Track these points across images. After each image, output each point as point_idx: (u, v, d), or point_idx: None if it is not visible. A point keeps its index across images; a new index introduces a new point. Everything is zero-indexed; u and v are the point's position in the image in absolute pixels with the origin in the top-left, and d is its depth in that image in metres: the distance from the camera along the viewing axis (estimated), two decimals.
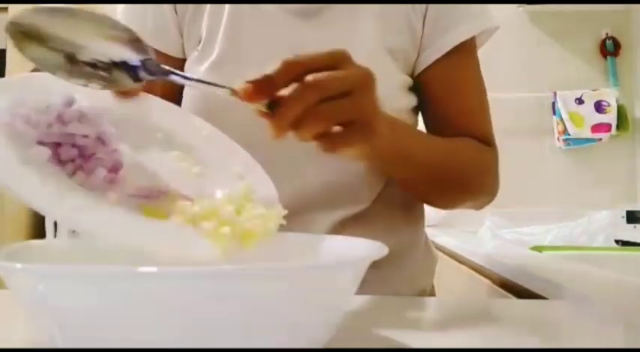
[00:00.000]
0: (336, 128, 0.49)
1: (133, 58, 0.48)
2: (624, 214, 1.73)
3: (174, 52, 0.80)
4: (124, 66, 0.48)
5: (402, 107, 0.77)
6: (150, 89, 0.57)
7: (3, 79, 0.54)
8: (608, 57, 2.13)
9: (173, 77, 0.49)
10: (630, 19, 2.16)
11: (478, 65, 0.81)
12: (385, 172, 0.75)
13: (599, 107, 2.07)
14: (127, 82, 0.48)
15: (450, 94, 0.79)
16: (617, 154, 2.11)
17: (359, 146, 0.50)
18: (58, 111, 0.46)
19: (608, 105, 2.07)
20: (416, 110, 0.81)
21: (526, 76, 2.14)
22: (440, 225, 1.89)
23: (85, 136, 0.46)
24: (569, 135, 2.08)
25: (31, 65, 0.53)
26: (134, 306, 0.34)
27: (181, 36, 0.80)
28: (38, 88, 0.49)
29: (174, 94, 0.76)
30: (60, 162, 0.44)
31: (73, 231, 0.42)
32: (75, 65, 0.47)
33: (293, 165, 0.73)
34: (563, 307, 0.67)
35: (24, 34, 0.46)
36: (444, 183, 0.75)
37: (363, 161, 0.71)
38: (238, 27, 0.75)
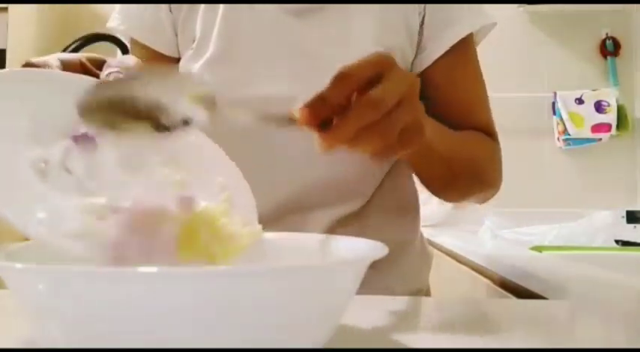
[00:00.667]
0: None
1: (200, 114, 0.46)
2: (624, 214, 1.73)
3: (169, 51, 0.80)
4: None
5: None
6: None
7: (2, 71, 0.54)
8: (608, 57, 2.13)
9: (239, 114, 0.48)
10: (630, 19, 2.16)
11: (477, 61, 0.82)
12: (411, 166, 0.77)
13: (599, 107, 2.07)
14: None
15: (451, 91, 0.79)
16: (617, 154, 2.11)
17: (410, 150, 0.50)
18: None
19: (608, 105, 2.07)
20: None
21: (526, 76, 2.14)
22: (440, 224, 1.89)
23: None
24: (569, 135, 2.08)
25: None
26: (134, 306, 0.34)
27: (176, 35, 0.80)
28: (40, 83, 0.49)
29: None
30: None
31: None
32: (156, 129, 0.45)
33: (290, 165, 0.73)
34: (563, 307, 0.67)
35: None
36: (460, 176, 0.76)
37: (410, 160, 0.73)
38: (233, 26, 0.76)
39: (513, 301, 0.89)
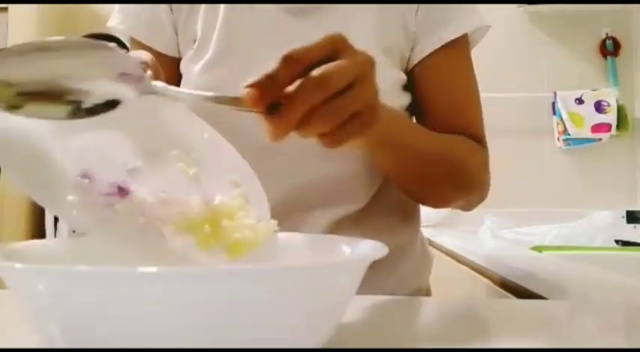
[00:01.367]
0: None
1: (129, 92, 0.45)
2: (624, 214, 1.73)
3: (169, 51, 0.80)
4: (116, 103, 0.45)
5: (397, 106, 0.77)
6: None
7: None
8: (608, 57, 2.13)
9: (174, 94, 0.47)
10: (630, 19, 2.16)
11: (470, 63, 0.81)
12: (378, 162, 0.74)
13: (599, 107, 2.07)
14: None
15: (440, 91, 0.79)
16: (617, 154, 2.11)
17: (362, 136, 0.48)
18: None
19: (608, 105, 2.07)
20: (409, 109, 0.81)
21: (526, 76, 2.14)
22: (440, 225, 1.89)
23: None
24: (569, 135, 2.08)
25: None
26: (134, 306, 0.34)
27: (176, 35, 0.80)
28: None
29: None
30: None
31: (73, 231, 0.42)
32: (78, 112, 0.44)
33: (289, 165, 0.73)
34: (563, 307, 0.67)
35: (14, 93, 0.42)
36: (437, 178, 0.74)
37: (361, 150, 0.69)
38: (233, 26, 0.76)
39: (513, 301, 0.89)
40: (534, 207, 2.03)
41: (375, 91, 0.48)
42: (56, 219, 1.62)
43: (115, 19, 0.81)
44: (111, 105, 0.45)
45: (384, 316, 0.54)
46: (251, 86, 0.43)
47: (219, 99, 0.46)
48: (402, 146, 0.68)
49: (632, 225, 1.72)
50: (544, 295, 0.81)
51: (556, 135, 2.12)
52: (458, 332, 0.50)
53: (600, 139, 2.08)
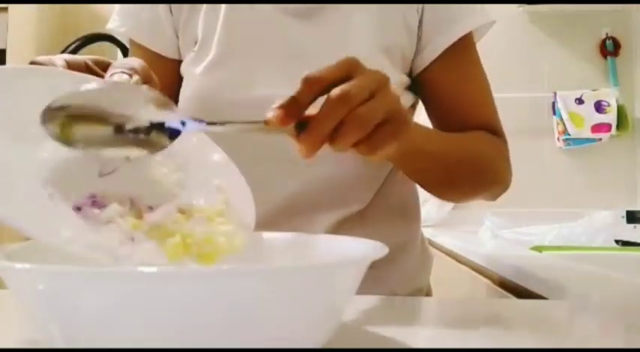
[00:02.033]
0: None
1: (172, 117, 0.47)
2: (624, 214, 1.73)
3: (169, 53, 0.79)
4: (160, 127, 0.47)
5: None
6: None
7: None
8: (608, 57, 2.13)
9: (210, 127, 0.48)
10: (630, 19, 2.16)
11: (479, 59, 0.81)
12: (408, 172, 0.75)
13: (599, 107, 2.07)
14: (165, 141, 0.47)
15: (454, 90, 0.79)
16: (617, 154, 2.11)
17: (396, 141, 0.49)
18: None
19: (608, 105, 2.07)
20: (412, 109, 0.81)
21: (526, 76, 2.14)
22: (440, 225, 1.89)
23: None
24: (569, 135, 2.08)
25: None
26: (134, 306, 0.34)
27: (177, 36, 0.79)
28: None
29: (170, 96, 0.76)
30: None
31: None
32: (120, 135, 0.46)
33: (291, 168, 0.73)
34: (563, 307, 0.67)
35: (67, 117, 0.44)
36: (462, 178, 0.75)
37: (394, 161, 0.71)
38: (234, 28, 0.75)
39: (513, 301, 0.89)
40: (534, 207, 2.03)
41: (397, 99, 0.50)
42: None
43: (114, 21, 0.81)
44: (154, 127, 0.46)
45: (384, 316, 0.54)
46: (278, 108, 0.46)
47: (248, 127, 0.48)
48: (427, 153, 0.69)
49: (632, 225, 1.72)
50: (544, 295, 0.81)
51: (556, 135, 2.12)
52: (458, 332, 0.50)
53: (600, 139, 2.08)
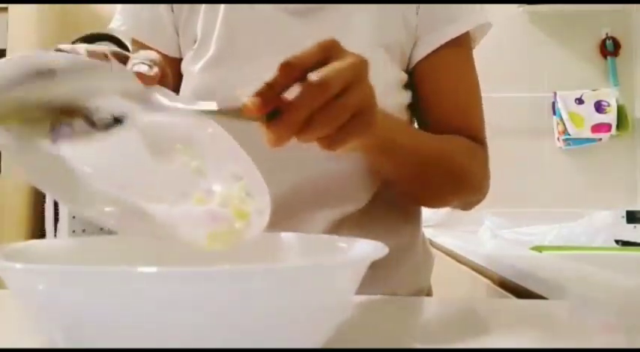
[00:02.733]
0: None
1: (134, 108, 0.46)
2: (624, 214, 1.73)
3: (170, 51, 0.80)
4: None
5: (397, 104, 0.77)
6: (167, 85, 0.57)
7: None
8: (608, 57, 2.13)
9: (177, 106, 0.47)
10: (630, 19, 2.15)
11: (472, 62, 0.81)
12: (375, 164, 0.73)
13: (599, 107, 2.07)
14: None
15: (442, 90, 0.79)
16: (617, 154, 2.11)
17: (361, 137, 0.48)
18: None
19: (608, 105, 2.07)
20: (410, 108, 0.81)
21: (526, 76, 2.14)
22: (440, 225, 1.89)
23: None
24: (569, 135, 2.07)
25: None
26: (134, 306, 0.34)
27: (177, 35, 0.80)
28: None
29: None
30: None
31: (73, 231, 0.42)
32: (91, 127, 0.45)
33: (289, 165, 0.73)
34: (563, 307, 0.67)
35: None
36: (435, 179, 0.74)
37: (358, 152, 0.68)
38: (234, 26, 0.76)
39: (513, 301, 0.89)
40: (534, 207, 2.03)
41: (371, 91, 0.49)
42: (56, 219, 1.62)
43: (116, 20, 0.82)
44: (118, 120, 0.46)
45: (384, 316, 0.54)
46: (253, 95, 0.44)
47: (220, 112, 0.47)
48: (398, 147, 0.67)
49: (632, 225, 1.72)
50: (544, 295, 0.81)
51: (556, 135, 2.12)
52: (458, 332, 0.50)
53: (600, 139, 2.08)
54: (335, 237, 0.53)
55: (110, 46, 1.64)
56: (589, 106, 2.07)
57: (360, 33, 0.75)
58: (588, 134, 2.07)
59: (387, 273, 0.75)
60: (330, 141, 0.47)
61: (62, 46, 0.56)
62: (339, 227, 0.75)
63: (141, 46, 0.80)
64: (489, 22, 0.79)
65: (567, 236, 1.60)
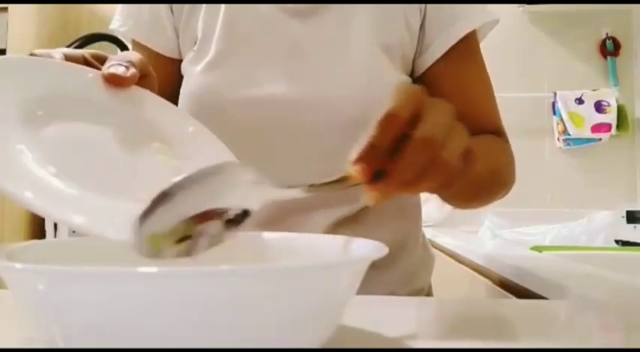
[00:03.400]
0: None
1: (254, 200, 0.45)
2: (624, 214, 1.73)
3: (170, 52, 0.80)
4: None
5: None
6: (150, 86, 0.57)
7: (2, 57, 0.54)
8: (608, 57, 2.13)
9: (291, 193, 0.46)
10: (630, 19, 2.16)
11: (482, 59, 0.81)
12: (445, 198, 0.70)
13: (599, 107, 2.07)
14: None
15: (457, 90, 0.79)
16: (617, 154, 2.12)
17: (465, 178, 0.47)
18: None
19: (608, 105, 2.07)
20: None
21: (526, 76, 2.14)
22: (440, 225, 1.89)
23: None
24: (569, 135, 2.08)
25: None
26: (134, 306, 0.34)
27: (177, 36, 0.80)
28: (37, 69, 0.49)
29: (171, 94, 0.76)
30: None
31: (73, 231, 0.42)
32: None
33: (289, 165, 0.73)
34: (563, 307, 0.67)
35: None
36: (487, 191, 0.75)
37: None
38: (234, 27, 0.76)
39: (513, 301, 0.89)
40: (534, 207, 2.03)
41: (467, 133, 0.47)
42: None
43: (116, 21, 0.82)
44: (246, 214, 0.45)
45: (384, 316, 0.54)
46: (359, 161, 0.43)
47: (329, 188, 0.47)
48: (476, 176, 0.67)
49: (632, 225, 1.72)
50: (544, 295, 0.81)
51: (556, 135, 2.12)
52: (458, 332, 0.50)
53: (600, 139, 2.08)
54: (335, 237, 0.53)
55: (110, 46, 1.64)
56: (589, 106, 2.08)
57: (360, 34, 0.75)
58: (588, 134, 2.07)
59: (386, 273, 0.75)
60: (439, 188, 0.46)
61: (37, 51, 0.55)
62: (339, 227, 0.75)
63: (141, 47, 0.80)
64: (496, 18, 0.80)
65: (567, 236, 1.60)
